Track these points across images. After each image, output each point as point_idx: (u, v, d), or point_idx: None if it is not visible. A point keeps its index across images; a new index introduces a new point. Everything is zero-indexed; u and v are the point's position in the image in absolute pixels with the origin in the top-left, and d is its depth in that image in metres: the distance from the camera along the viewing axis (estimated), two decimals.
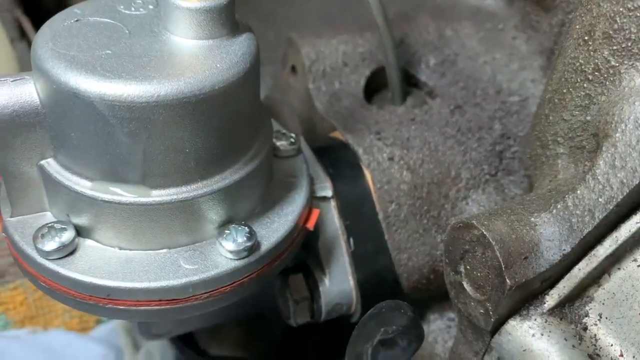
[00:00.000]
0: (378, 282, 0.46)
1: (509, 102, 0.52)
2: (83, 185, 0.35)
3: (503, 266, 0.34)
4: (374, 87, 0.57)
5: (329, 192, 0.46)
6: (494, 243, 0.34)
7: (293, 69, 0.58)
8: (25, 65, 0.82)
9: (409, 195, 0.47)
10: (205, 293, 0.36)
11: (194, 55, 0.34)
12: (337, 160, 0.48)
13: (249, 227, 0.37)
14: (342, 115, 0.53)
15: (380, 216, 0.47)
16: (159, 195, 0.35)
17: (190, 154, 0.34)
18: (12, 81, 0.34)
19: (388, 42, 0.52)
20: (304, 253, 0.46)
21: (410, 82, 0.57)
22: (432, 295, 0.50)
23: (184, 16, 0.34)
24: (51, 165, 0.36)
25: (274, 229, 0.39)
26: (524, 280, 0.34)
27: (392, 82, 0.54)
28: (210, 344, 0.62)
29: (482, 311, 0.36)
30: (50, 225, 0.36)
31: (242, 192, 0.38)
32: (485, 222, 0.35)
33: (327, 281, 0.45)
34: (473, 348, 0.39)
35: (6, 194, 0.38)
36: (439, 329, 0.50)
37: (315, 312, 0.46)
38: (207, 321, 0.52)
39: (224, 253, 0.37)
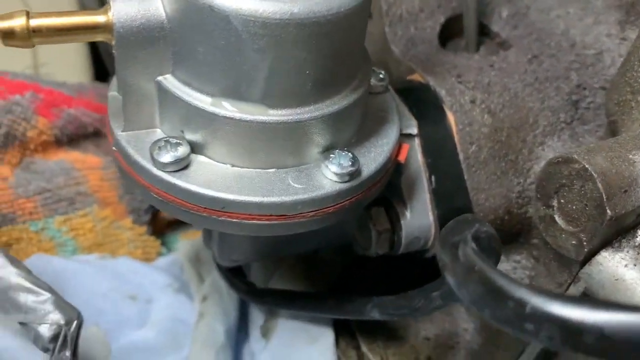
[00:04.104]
0: None
1: (583, 55, 0.53)
2: (203, 101, 0.36)
3: (604, 197, 0.35)
4: (447, 34, 0.58)
5: (414, 130, 0.47)
6: (595, 175, 0.36)
7: None
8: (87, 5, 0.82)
9: (489, 138, 0.48)
10: (311, 211, 0.38)
11: None
12: (420, 101, 0.49)
13: (352, 153, 0.39)
14: (420, 59, 0.54)
15: (461, 157, 0.48)
16: (275, 114, 0.36)
17: (309, 75, 0.35)
18: None
19: None
20: (384, 189, 0.48)
21: (481, 32, 0.57)
22: (502, 237, 0.51)
23: None
24: (169, 80, 0.37)
25: (372, 157, 0.41)
26: (623, 212, 0.36)
27: (468, 30, 0.55)
28: (268, 279, 0.64)
29: (574, 242, 0.38)
30: (166, 139, 0.37)
31: (346, 119, 0.39)
32: (586, 157, 0.37)
33: (408, 215, 0.47)
34: (556, 280, 0.41)
35: (117, 109, 0.39)
36: (505, 270, 0.52)
37: (395, 244, 0.47)
38: (280, 251, 0.54)
39: (329, 176, 0.38)
